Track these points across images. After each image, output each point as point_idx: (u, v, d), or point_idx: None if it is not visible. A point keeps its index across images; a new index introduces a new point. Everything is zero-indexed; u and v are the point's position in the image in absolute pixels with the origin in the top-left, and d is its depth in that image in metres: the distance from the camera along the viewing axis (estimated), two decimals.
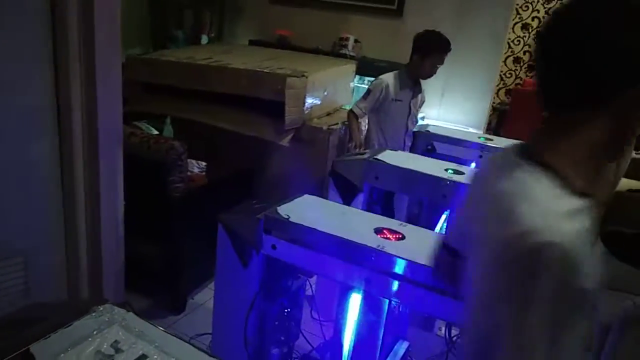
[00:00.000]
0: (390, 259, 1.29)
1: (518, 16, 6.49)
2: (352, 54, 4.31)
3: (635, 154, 2.32)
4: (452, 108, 3.70)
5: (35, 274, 1.78)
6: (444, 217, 2.19)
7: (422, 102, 3.14)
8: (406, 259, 1.28)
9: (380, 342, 1.61)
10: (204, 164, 2.82)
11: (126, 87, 1.91)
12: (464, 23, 3.77)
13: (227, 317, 1.62)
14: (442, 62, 2.80)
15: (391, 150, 2.38)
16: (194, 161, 2.75)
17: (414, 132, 2.85)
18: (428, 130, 2.81)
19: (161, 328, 1.10)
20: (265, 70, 2.94)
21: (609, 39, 0.70)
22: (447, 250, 1.01)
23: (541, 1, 6.37)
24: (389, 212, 2.46)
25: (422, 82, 3.00)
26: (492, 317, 0.73)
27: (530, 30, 6.57)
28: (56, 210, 1.82)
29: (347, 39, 4.37)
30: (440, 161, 2.30)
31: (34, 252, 1.77)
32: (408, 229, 1.47)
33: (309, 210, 1.56)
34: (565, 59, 0.74)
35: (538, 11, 6.50)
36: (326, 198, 2.05)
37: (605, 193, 0.84)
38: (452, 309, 1.24)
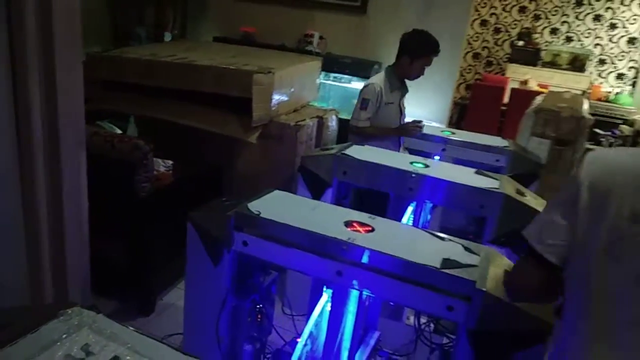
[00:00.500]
0: (360, 250, 1.32)
1: (476, 13, 6.67)
2: (317, 50, 4.33)
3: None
4: (416, 103, 3.78)
5: None
6: (410, 209, 2.24)
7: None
8: (376, 250, 1.31)
9: (351, 334, 1.64)
10: (170, 162, 2.79)
11: (87, 85, 1.86)
12: (426, 20, 3.85)
13: (198, 316, 1.60)
14: (430, 64, 2.73)
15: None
16: (160, 160, 2.71)
17: None
18: None
19: (132, 329, 1.09)
20: (231, 67, 2.91)
21: None
22: (540, 263, 1.01)
23: None
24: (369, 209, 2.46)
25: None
26: None
27: (488, 26, 6.76)
28: (16, 213, 1.76)
29: (312, 36, 4.39)
30: (406, 155, 2.35)
31: None
32: (377, 222, 1.50)
33: (280, 206, 1.57)
34: None
35: (495, 7, 6.70)
36: (295, 194, 2.06)
37: None
38: (421, 298, 1.28)
